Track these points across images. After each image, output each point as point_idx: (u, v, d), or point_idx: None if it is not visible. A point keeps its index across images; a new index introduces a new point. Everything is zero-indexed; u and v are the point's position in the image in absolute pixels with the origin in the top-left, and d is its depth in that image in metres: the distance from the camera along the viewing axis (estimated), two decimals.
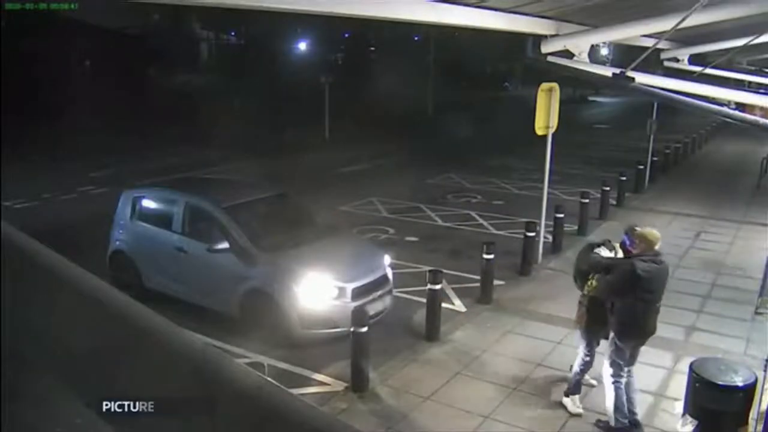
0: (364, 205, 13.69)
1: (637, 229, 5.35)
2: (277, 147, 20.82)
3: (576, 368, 5.77)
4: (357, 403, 5.84)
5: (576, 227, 11.42)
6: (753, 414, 4.56)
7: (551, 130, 9.57)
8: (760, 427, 4.38)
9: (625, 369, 5.38)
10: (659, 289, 5.18)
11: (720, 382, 4.38)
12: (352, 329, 5.96)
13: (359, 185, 15.53)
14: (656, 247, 5.13)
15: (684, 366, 6.28)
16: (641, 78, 5.53)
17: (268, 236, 7.53)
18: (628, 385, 5.41)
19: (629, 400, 5.38)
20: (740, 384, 4.40)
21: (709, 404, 4.45)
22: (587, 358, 5.73)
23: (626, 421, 5.32)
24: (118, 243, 8.44)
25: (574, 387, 5.79)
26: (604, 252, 5.52)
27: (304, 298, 6.82)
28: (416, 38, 42.99)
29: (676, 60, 10.64)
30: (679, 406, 5.46)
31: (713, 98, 6.00)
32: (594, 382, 6.00)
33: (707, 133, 25.31)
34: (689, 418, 4.50)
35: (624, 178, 14.07)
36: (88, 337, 0.99)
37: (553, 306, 8.18)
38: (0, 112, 17.24)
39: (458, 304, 8.29)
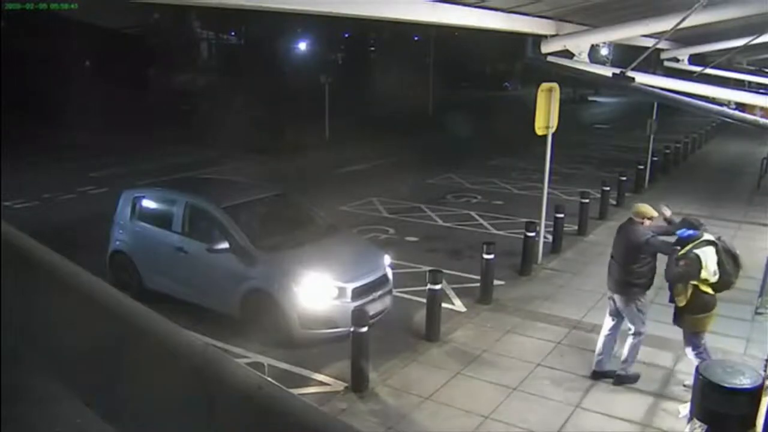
0: (364, 205, 13.68)
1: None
2: (277, 147, 20.81)
3: None
4: (357, 403, 5.84)
5: (576, 227, 11.43)
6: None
7: (551, 130, 9.58)
8: (760, 421, 4.35)
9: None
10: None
11: (726, 385, 4.34)
12: (352, 329, 5.96)
13: (359, 185, 15.52)
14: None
15: (684, 366, 6.31)
16: (641, 78, 5.52)
17: (268, 236, 7.53)
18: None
19: None
20: (747, 386, 4.37)
21: (715, 407, 4.41)
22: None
23: None
24: (118, 243, 8.44)
25: None
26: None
27: (304, 298, 6.82)
28: (416, 38, 43.02)
29: (676, 60, 10.61)
30: (683, 410, 5.45)
31: (713, 98, 5.99)
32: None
33: (707, 133, 25.28)
34: (698, 422, 4.46)
35: (624, 178, 14.06)
36: (88, 337, 0.99)
37: (553, 306, 8.19)
38: (0, 112, 17.29)
39: (458, 304, 8.29)
